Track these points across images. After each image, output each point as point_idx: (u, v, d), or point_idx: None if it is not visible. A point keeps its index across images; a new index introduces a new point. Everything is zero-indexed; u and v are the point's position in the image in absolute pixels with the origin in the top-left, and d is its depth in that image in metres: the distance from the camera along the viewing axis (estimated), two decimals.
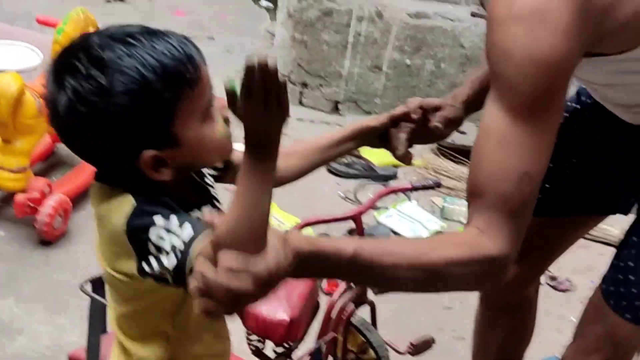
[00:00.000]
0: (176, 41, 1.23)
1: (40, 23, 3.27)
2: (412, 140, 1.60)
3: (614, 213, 1.94)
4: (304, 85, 4.19)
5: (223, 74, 3.74)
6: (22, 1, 5.05)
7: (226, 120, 1.28)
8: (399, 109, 1.60)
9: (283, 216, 3.34)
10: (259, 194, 1.03)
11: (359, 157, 3.75)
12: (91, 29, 3.13)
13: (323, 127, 4.11)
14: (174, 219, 1.18)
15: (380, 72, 4.01)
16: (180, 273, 1.15)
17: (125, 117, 1.17)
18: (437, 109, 1.64)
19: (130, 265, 1.22)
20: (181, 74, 1.19)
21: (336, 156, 1.60)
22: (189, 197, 1.31)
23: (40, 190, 3.01)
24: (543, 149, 1.25)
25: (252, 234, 1.03)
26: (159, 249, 1.17)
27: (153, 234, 1.18)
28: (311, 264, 1.09)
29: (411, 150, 1.59)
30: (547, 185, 1.92)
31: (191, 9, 5.26)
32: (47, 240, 3.05)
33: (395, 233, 3.35)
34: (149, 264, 1.18)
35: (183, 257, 1.15)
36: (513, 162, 1.23)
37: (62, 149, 3.55)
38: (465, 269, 1.20)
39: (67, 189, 3.16)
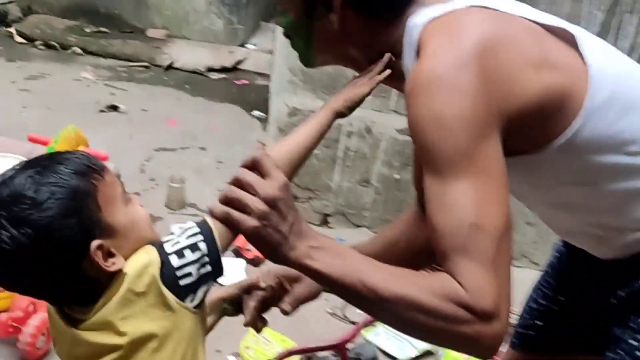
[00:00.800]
0: (69, 154, 1.35)
1: (32, 141, 3.30)
2: (265, 307, 1.65)
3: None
4: (294, 198, 4.19)
5: (213, 185, 3.74)
6: (16, 113, 5.11)
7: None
8: (248, 280, 1.65)
9: (271, 335, 3.30)
10: None
11: None
12: (81, 147, 3.17)
13: None
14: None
15: (369, 185, 4.03)
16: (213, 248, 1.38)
17: (57, 223, 1.27)
18: (296, 279, 1.69)
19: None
20: (88, 170, 1.32)
21: None
22: None
23: (24, 309, 2.98)
24: (488, 201, 1.25)
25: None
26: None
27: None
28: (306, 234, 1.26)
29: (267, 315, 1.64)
30: (539, 323, 1.91)
31: (184, 119, 5.32)
32: None
33: (382, 352, 3.31)
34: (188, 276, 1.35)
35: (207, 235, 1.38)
36: (455, 218, 1.24)
37: None
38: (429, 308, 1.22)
39: None
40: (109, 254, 1.32)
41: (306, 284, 1.69)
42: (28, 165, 1.33)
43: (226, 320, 3.39)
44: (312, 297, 1.70)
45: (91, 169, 1.32)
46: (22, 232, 1.26)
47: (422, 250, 1.64)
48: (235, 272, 3.71)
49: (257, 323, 1.66)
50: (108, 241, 1.31)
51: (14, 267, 1.30)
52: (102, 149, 3.38)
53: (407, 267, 1.30)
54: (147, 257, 1.34)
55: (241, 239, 3.79)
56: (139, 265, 1.33)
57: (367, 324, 2.28)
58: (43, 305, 3.11)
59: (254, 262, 3.80)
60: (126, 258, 1.34)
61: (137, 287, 1.33)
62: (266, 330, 3.30)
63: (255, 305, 1.65)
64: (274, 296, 1.67)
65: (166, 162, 4.73)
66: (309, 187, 4.14)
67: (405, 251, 1.82)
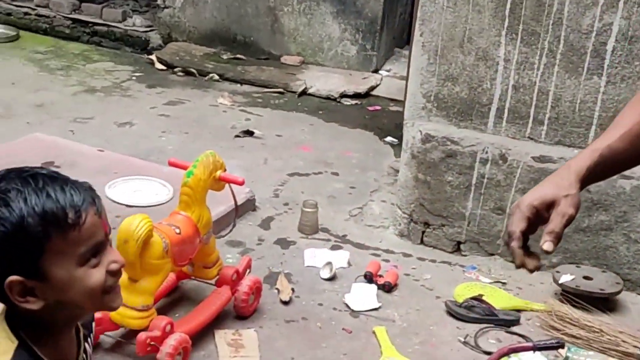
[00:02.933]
0: (70, 188, 1.36)
1: (172, 166, 3.40)
2: (526, 240, 1.58)
3: None
4: (426, 224, 4.18)
5: (345, 211, 3.79)
6: (156, 138, 5.29)
7: (113, 274, 1.41)
8: (520, 222, 1.56)
9: None
10: None
11: (481, 300, 3.67)
12: (219, 172, 3.25)
13: (444, 267, 4.07)
14: None
15: (504, 214, 3.96)
16: None
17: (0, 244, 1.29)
18: (551, 205, 1.57)
19: None
20: (57, 218, 1.31)
21: None
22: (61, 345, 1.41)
23: (162, 329, 3.07)
24: None
25: None
26: None
27: None
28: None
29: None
30: None
31: (317, 146, 5.38)
32: None
33: None
34: None
35: None
36: None
37: (185, 284, 3.63)
38: None
39: (188, 328, 3.21)
40: (29, 293, 1.34)
41: (564, 202, 1.57)
42: (31, 174, 1.35)
43: (360, 345, 3.41)
44: (574, 215, 1.58)
45: (64, 219, 1.33)
46: None
47: None
48: (366, 298, 3.71)
49: (527, 261, 1.56)
50: (36, 283, 1.33)
51: None
52: (237, 173, 3.45)
53: None
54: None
55: (374, 265, 3.79)
56: None
57: (502, 355, 2.23)
58: (180, 325, 3.19)
59: (385, 288, 3.79)
60: (53, 306, 1.36)
61: None
62: (397, 357, 3.30)
63: (517, 244, 1.56)
64: (532, 227, 1.58)
65: (300, 187, 4.79)
66: (442, 214, 4.11)
67: None
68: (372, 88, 6.41)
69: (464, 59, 3.86)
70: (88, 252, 1.37)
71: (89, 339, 1.57)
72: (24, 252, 1.31)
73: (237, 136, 5.44)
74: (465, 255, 4.15)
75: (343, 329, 3.53)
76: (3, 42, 6.87)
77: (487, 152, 3.89)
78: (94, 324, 1.61)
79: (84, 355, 1.51)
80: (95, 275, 1.37)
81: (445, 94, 3.96)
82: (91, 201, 1.38)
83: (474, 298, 3.69)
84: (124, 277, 3.07)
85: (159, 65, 6.68)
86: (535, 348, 2.22)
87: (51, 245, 1.32)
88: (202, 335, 3.32)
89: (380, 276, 3.86)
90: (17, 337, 1.36)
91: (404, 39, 6.99)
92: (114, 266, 1.42)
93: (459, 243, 4.15)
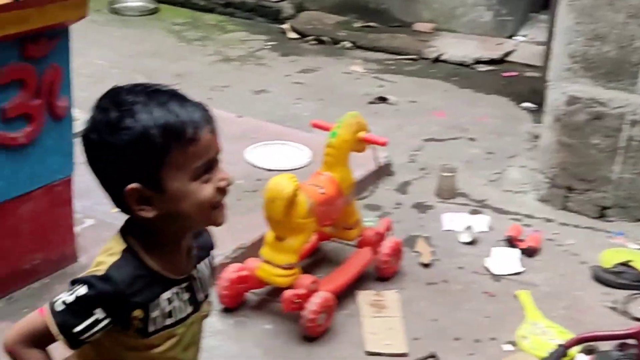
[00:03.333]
0: (190, 106, 1.44)
1: (315, 127, 3.42)
2: None
3: None
4: (569, 189, 4.07)
5: (483, 176, 3.74)
6: (291, 105, 5.34)
7: (221, 191, 1.45)
8: None
9: (547, 325, 3.21)
10: None
11: (629, 266, 3.56)
12: (362, 133, 3.25)
13: (588, 233, 3.97)
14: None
15: None
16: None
17: (124, 151, 1.39)
18: None
19: None
20: (177, 132, 1.39)
21: None
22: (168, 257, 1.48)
23: (307, 287, 3.10)
24: None
25: None
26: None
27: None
28: None
29: None
30: None
31: (452, 111, 5.32)
32: (311, 335, 3.13)
33: None
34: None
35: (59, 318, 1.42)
36: None
37: (326, 245, 3.66)
38: None
39: (332, 287, 3.23)
40: (145, 202, 1.42)
41: None
42: (155, 90, 1.45)
43: (503, 309, 3.37)
44: None
45: (183, 134, 1.40)
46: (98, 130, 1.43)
47: None
48: (508, 262, 3.65)
49: None
50: (152, 193, 1.41)
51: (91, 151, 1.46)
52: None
53: None
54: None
55: (515, 229, 3.74)
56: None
57: None
58: (324, 284, 3.22)
59: (527, 252, 3.72)
60: (165, 217, 1.44)
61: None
62: (542, 321, 3.24)
63: None
64: None
65: (436, 153, 4.75)
66: (586, 178, 3.99)
67: None
68: (507, 54, 6.28)
69: (614, 17, 3.72)
70: (202, 167, 1.43)
71: (207, 261, 1.63)
72: (145, 161, 1.40)
73: (370, 103, 5.43)
74: (610, 221, 4.03)
75: (484, 292, 3.49)
76: (144, 14, 7.07)
77: (636, 113, 3.75)
78: (213, 251, 1.66)
79: (197, 273, 1.56)
80: (207, 190, 1.43)
81: (592, 54, 3.83)
82: (207, 119, 1.47)
83: (622, 264, 3.58)
84: (270, 236, 3.14)
85: (291, 34, 6.72)
86: None
87: (170, 158, 1.40)
88: (344, 295, 3.34)
89: (522, 240, 3.79)
90: (126, 243, 1.47)
91: (540, 3, 6.80)
92: (222, 183, 1.47)
93: (603, 208, 4.03)
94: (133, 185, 1.40)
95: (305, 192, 3.11)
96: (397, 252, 3.52)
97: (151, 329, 1.48)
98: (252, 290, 3.28)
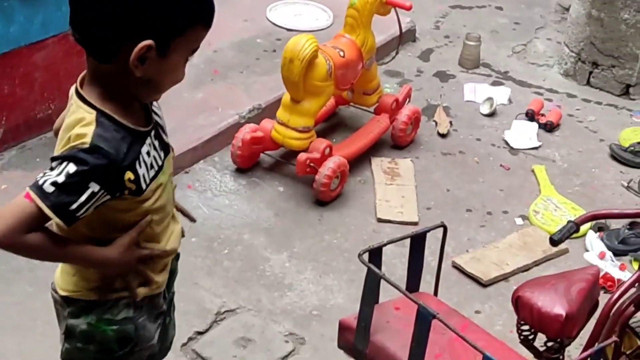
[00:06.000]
0: None
1: None
2: None
3: None
4: (595, 64, 3.98)
5: (509, 47, 3.60)
6: None
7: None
8: None
9: (561, 201, 3.19)
10: None
11: None
12: None
13: (610, 110, 3.90)
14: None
15: None
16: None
17: (145, 6, 1.38)
18: None
19: None
20: (209, 14, 1.45)
21: None
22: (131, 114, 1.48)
23: (321, 151, 3.08)
24: None
25: None
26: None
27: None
28: None
29: None
30: None
31: None
32: (323, 200, 3.13)
33: None
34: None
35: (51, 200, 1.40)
36: None
37: (343, 110, 3.62)
38: None
39: (347, 152, 3.21)
40: (141, 61, 1.40)
41: None
42: None
43: (517, 184, 3.35)
44: None
45: (210, 17, 1.45)
46: None
47: None
48: (527, 136, 3.60)
49: None
50: (155, 56, 1.41)
51: None
52: None
53: None
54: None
55: (536, 103, 3.66)
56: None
57: None
58: (338, 149, 3.20)
59: (547, 127, 3.67)
60: (143, 81, 1.44)
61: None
62: (556, 197, 3.22)
63: None
64: None
65: (461, 20, 4.63)
66: (613, 54, 3.89)
67: None
68: None
69: None
70: (194, 52, 1.48)
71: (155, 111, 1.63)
72: (172, 21, 1.40)
73: None
74: (634, 99, 3.96)
75: (501, 165, 3.47)
76: None
77: None
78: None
79: (155, 117, 1.58)
80: (184, 73, 1.50)
81: None
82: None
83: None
84: (286, 98, 3.10)
85: None
86: None
87: (190, 31, 1.43)
88: (358, 161, 3.32)
89: (542, 115, 3.73)
90: (94, 109, 1.45)
91: None
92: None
93: (628, 86, 3.95)
94: (149, 41, 1.39)
95: (324, 54, 3.04)
96: (414, 121, 3.47)
97: (144, 186, 1.49)
98: (266, 152, 3.26)
